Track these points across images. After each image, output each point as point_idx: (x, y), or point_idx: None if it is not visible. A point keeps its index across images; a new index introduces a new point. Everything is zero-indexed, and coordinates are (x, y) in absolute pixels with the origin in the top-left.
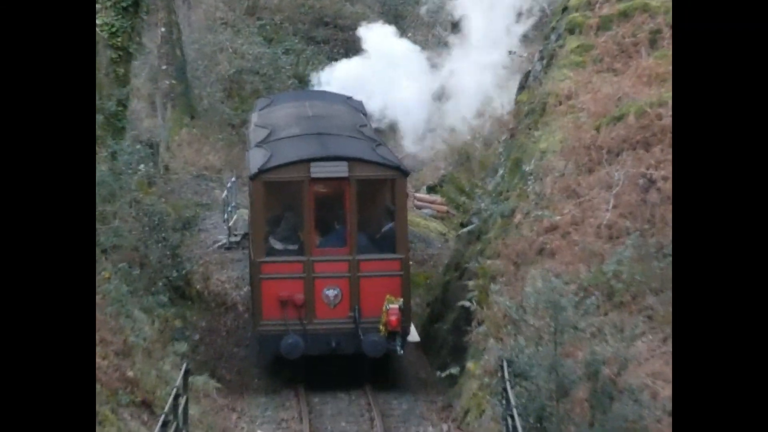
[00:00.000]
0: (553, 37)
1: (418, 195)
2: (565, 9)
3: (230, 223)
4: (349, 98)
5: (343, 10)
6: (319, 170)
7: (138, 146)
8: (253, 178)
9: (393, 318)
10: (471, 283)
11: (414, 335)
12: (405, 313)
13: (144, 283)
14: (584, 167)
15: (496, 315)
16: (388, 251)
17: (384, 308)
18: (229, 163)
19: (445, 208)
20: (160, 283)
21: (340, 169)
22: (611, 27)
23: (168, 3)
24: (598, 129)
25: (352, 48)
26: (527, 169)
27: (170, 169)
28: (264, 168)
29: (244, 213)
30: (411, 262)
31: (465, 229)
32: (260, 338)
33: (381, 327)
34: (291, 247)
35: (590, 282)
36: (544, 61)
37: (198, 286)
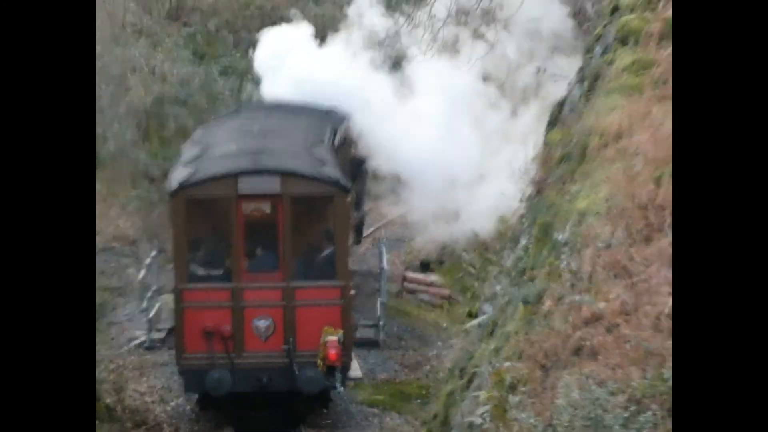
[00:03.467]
0: (598, 49)
1: (409, 275)
2: (615, 9)
3: (151, 314)
4: (330, 112)
5: (306, 11)
6: (247, 185)
7: None
8: (173, 194)
9: (332, 351)
10: (483, 394)
11: (356, 370)
12: (346, 346)
13: None
14: (639, 235)
15: None
16: (327, 278)
17: (322, 341)
18: (148, 232)
19: (446, 292)
20: None
21: (271, 185)
22: None
23: None
24: (658, 181)
25: None
26: (560, 238)
27: None
28: (185, 183)
29: (170, 300)
30: (402, 366)
31: (474, 321)
32: (184, 373)
33: (319, 361)
34: (216, 272)
35: (646, 392)
36: (585, 84)
37: (108, 400)
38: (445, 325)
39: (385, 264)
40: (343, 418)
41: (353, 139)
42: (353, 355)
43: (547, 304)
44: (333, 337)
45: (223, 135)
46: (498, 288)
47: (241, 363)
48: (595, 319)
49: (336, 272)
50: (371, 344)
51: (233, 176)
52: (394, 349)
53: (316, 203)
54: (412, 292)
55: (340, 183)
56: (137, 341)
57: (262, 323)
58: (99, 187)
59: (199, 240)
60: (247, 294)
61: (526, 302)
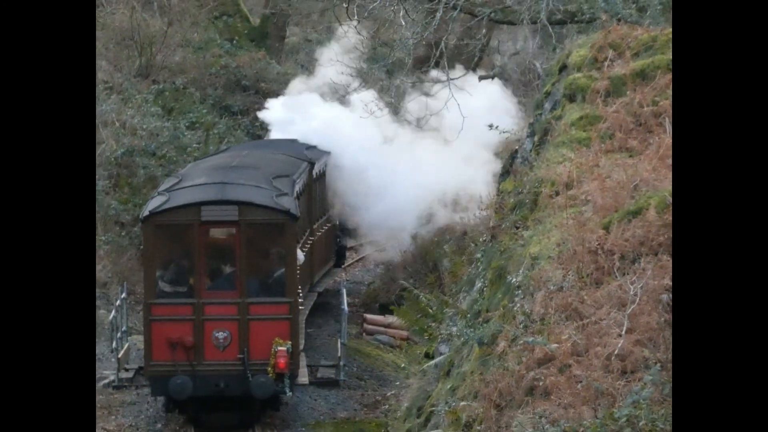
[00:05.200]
0: (547, 105)
1: (369, 317)
2: (563, 68)
3: (120, 354)
4: (310, 148)
5: (267, 71)
6: (209, 213)
7: None
8: (144, 220)
9: (281, 360)
10: None
11: (303, 377)
12: (293, 355)
13: None
14: (589, 279)
15: None
16: (278, 295)
17: (272, 351)
18: (118, 275)
19: (404, 333)
20: None
21: (230, 213)
22: (625, 92)
23: None
24: (607, 228)
25: None
26: (514, 281)
27: None
28: (155, 210)
29: (138, 341)
30: (362, 405)
31: (431, 362)
32: (150, 379)
33: (269, 369)
34: (180, 289)
35: (597, 430)
36: (536, 138)
37: None
38: (403, 365)
39: (345, 306)
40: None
41: (330, 172)
42: (303, 362)
43: (502, 345)
44: (282, 348)
45: (201, 169)
46: (454, 329)
47: (201, 370)
48: (548, 359)
49: (285, 290)
50: (332, 384)
51: (197, 205)
52: (353, 388)
53: (269, 229)
54: (372, 333)
55: (290, 212)
56: (106, 381)
57: (220, 335)
58: None
59: (167, 261)
60: (208, 309)
61: (481, 343)
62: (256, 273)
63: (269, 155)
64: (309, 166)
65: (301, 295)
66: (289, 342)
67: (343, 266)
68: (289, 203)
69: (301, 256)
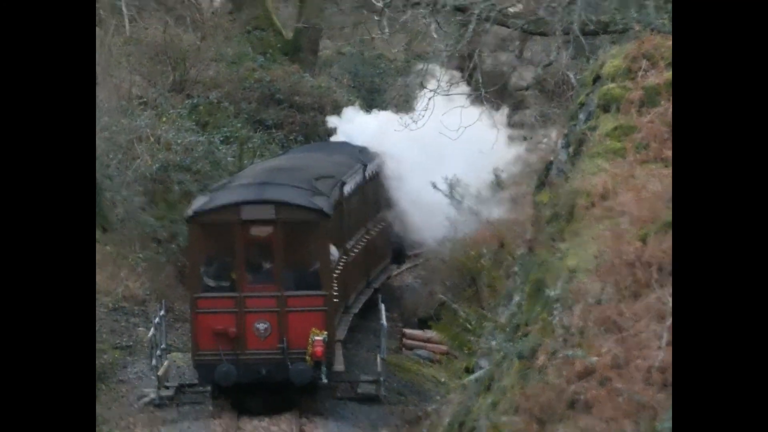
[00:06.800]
0: (581, 116)
1: (408, 332)
2: (597, 79)
3: (160, 372)
4: (363, 150)
5: (301, 85)
6: (248, 213)
7: None
8: (189, 220)
9: (318, 349)
10: None
11: (339, 365)
12: (329, 344)
13: None
14: (627, 291)
15: None
16: (314, 288)
17: (309, 340)
18: (156, 292)
19: (443, 348)
20: None
21: (267, 212)
22: (659, 102)
23: None
24: (644, 239)
25: (313, 133)
26: (552, 294)
27: None
28: (199, 210)
29: (178, 357)
30: (403, 421)
31: (471, 377)
32: (197, 367)
33: (307, 357)
34: (224, 284)
35: None
36: (571, 149)
37: None
38: (443, 380)
39: (384, 321)
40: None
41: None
42: (340, 351)
43: (541, 358)
44: (319, 337)
45: (251, 171)
46: (494, 343)
47: (244, 358)
48: (588, 372)
49: (321, 284)
50: (372, 399)
51: (236, 205)
52: (394, 404)
53: (304, 227)
54: (411, 348)
55: (323, 211)
56: (146, 399)
57: (261, 326)
58: (109, 249)
59: (211, 257)
60: (249, 302)
61: (520, 357)
62: (293, 267)
63: (322, 157)
64: (362, 167)
65: (355, 288)
66: (325, 332)
67: (402, 264)
68: (322, 202)
69: (334, 251)
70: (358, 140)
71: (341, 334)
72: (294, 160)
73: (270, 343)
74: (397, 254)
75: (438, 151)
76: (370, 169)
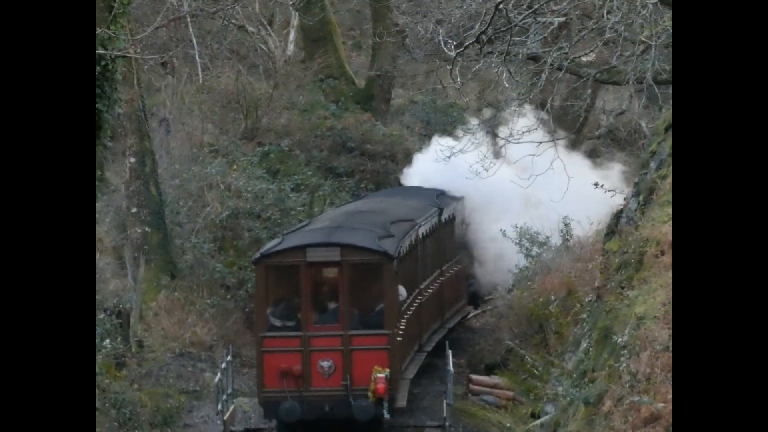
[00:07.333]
0: (652, 164)
1: (474, 377)
2: (668, 127)
3: (226, 416)
4: (441, 195)
5: (373, 133)
6: (314, 255)
7: (101, 316)
8: (256, 262)
9: (380, 386)
10: None
11: (402, 400)
12: (392, 382)
13: None
14: None
15: None
16: (377, 327)
17: (372, 377)
18: (224, 338)
19: (510, 393)
20: None
21: (332, 254)
22: None
23: (140, 126)
24: None
25: (384, 181)
26: (619, 341)
27: (145, 346)
28: (266, 253)
29: (244, 402)
30: None
31: (537, 422)
32: (263, 404)
33: (369, 394)
34: (289, 323)
35: None
36: (641, 197)
37: None
38: (509, 425)
39: (451, 367)
40: None
41: (463, 217)
42: (405, 387)
43: (608, 404)
44: (381, 375)
45: (328, 215)
46: (560, 389)
47: (308, 396)
48: (654, 419)
49: (384, 323)
50: None
51: (303, 248)
52: None
53: (369, 268)
54: (477, 394)
55: (387, 253)
56: None
57: (325, 364)
58: (178, 295)
59: (278, 297)
60: (314, 341)
61: (587, 403)
62: (357, 308)
63: (400, 201)
64: (438, 211)
65: (434, 329)
66: (388, 369)
67: (473, 304)
68: (388, 245)
69: (403, 291)
70: (438, 184)
71: (411, 372)
72: (371, 204)
73: (334, 381)
74: (474, 296)
75: (517, 197)
76: (447, 212)
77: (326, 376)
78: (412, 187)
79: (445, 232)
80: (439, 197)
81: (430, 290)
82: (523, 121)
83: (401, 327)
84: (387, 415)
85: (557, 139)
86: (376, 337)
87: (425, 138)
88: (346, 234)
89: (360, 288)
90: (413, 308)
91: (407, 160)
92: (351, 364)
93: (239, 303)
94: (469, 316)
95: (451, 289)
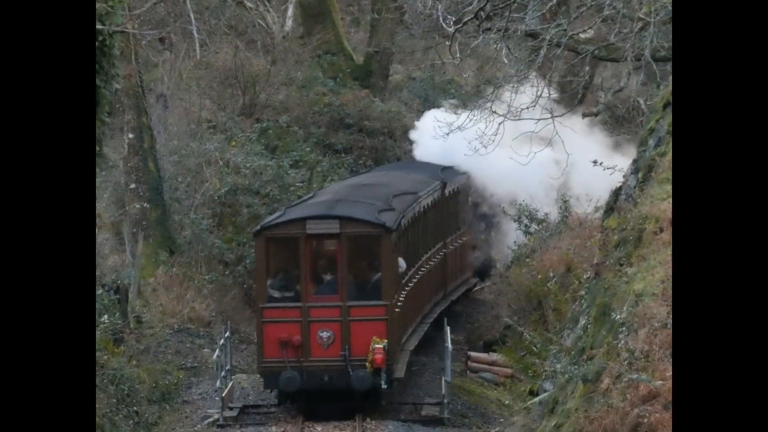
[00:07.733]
0: (651, 142)
1: (473, 354)
2: (667, 104)
3: (224, 393)
4: (446, 169)
5: (371, 109)
6: (313, 227)
7: (99, 291)
8: (256, 234)
9: (378, 357)
10: None
11: (400, 372)
12: (389, 352)
13: None
14: None
15: None
16: (375, 299)
17: (370, 348)
18: (222, 314)
19: (508, 371)
20: None
21: (331, 227)
22: None
23: (137, 102)
24: None
25: (382, 157)
26: (618, 318)
27: (143, 322)
28: (266, 225)
29: (243, 379)
30: None
31: (535, 399)
32: (263, 374)
33: (368, 364)
34: (289, 294)
35: None
36: (640, 175)
37: None
38: (507, 402)
39: (449, 344)
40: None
41: (468, 191)
42: (405, 358)
43: (606, 382)
44: (379, 345)
45: (332, 188)
46: (558, 366)
47: (307, 366)
48: (652, 396)
49: (382, 294)
50: (436, 422)
51: (302, 220)
52: (458, 426)
53: (367, 240)
54: (476, 371)
55: (386, 226)
56: (210, 419)
57: (324, 334)
58: (176, 270)
59: (277, 269)
60: (313, 312)
61: (585, 380)
62: (356, 279)
63: (403, 175)
64: (441, 185)
65: (433, 300)
66: (386, 340)
67: (484, 279)
68: (387, 218)
69: (402, 263)
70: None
71: (412, 344)
72: (376, 178)
73: (333, 352)
74: (482, 270)
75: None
76: (450, 187)
77: (325, 347)
78: (419, 162)
79: (449, 205)
80: (443, 171)
81: (433, 262)
82: (523, 98)
83: (401, 298)
84: (384, 386)
85: (555, 116)
86: (374, 308)
87: (422, 114)
88: (346, 207)
89: (358, 260)
90: (415, 280)
91: (405, 137)
92: (349, 335)
93: (238, 279)
94: (475, 288)
95: (456, 261)
